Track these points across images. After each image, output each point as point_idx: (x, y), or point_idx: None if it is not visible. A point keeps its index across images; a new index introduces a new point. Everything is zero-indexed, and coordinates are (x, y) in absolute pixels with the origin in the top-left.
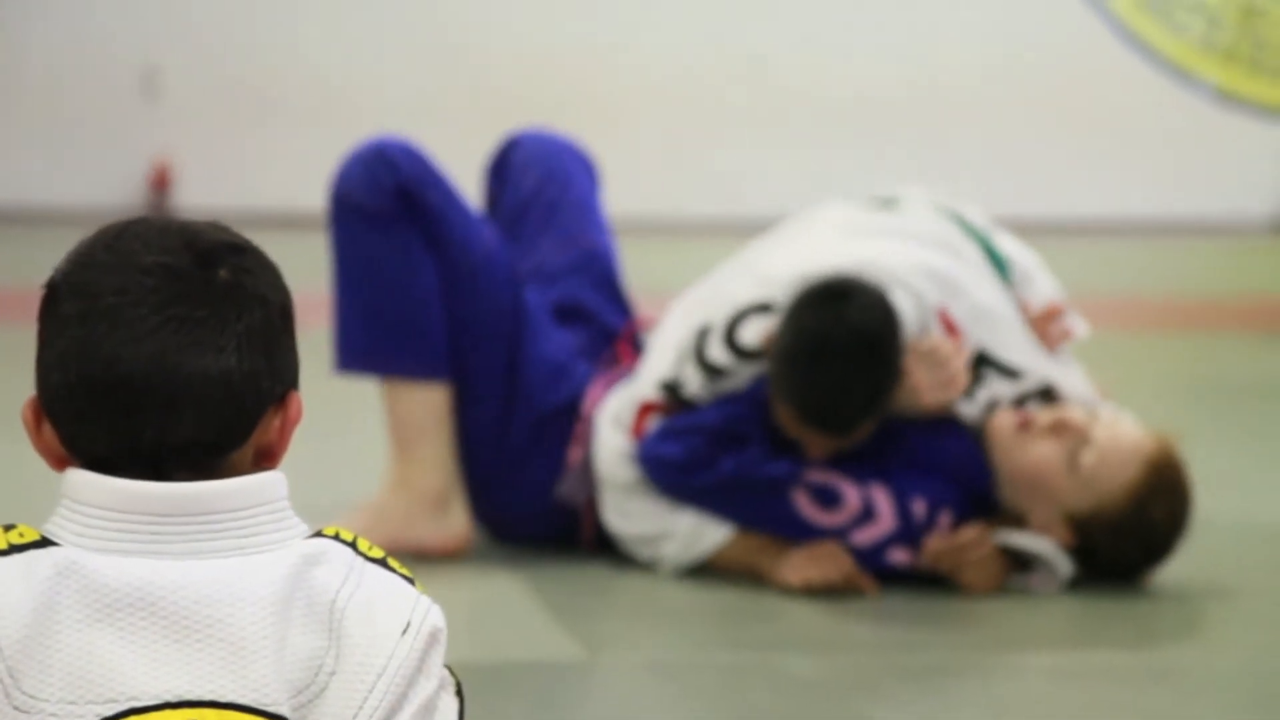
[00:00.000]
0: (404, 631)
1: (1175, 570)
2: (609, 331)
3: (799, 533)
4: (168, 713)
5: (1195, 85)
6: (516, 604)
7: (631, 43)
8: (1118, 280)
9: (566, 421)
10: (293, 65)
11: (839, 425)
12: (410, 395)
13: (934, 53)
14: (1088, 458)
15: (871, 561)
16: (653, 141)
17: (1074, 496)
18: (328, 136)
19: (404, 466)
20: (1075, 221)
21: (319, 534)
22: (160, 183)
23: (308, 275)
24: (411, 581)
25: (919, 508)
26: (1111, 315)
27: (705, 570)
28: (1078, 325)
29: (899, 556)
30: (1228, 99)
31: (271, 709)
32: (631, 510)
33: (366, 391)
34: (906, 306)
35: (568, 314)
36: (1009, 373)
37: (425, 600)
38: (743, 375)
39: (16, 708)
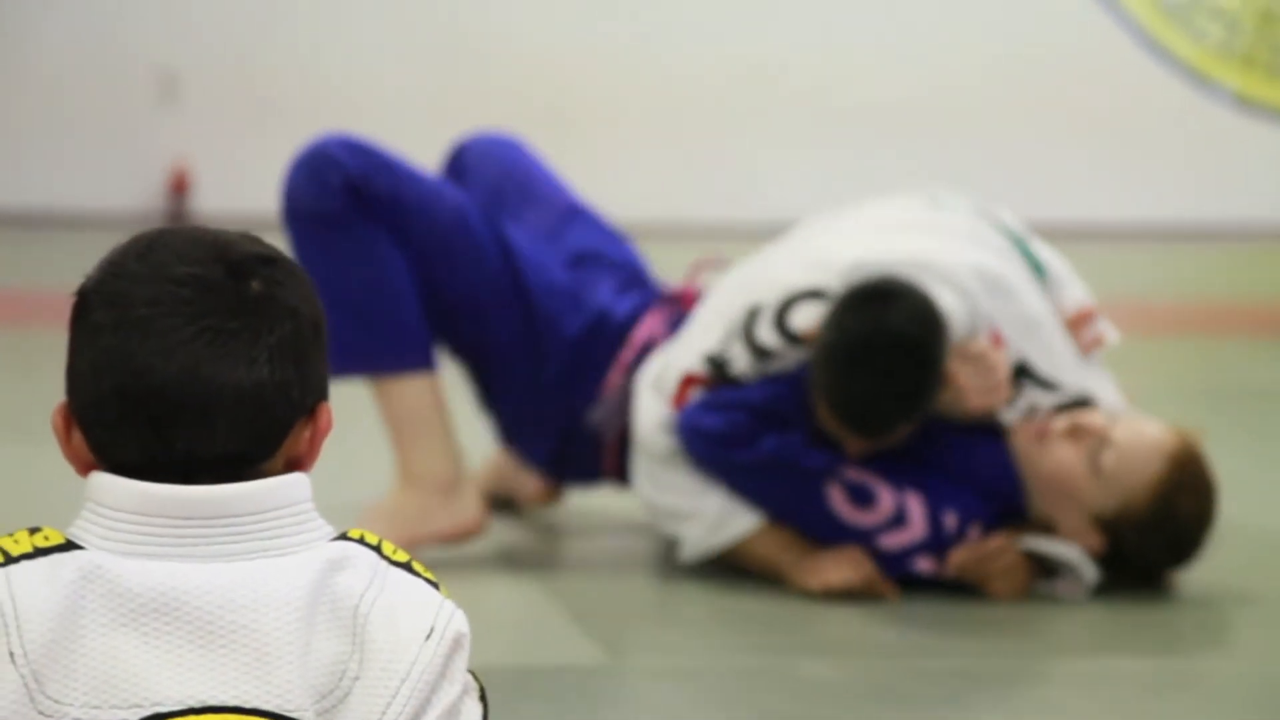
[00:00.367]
0: (428, 637)
1: (1196, 576)
2: (635, 268)
3: (827, 527)
4: (191, 718)
5: (1214, 91)
6: (538, 609)
7: (637, 44)
8: (1131, 285)
9: (606, 346)
10: (310, 70)
11: (873, 429)
12: (401, 390)
13: (945, 56)
14: (1108, 457)
15: (896, 567)
16: (659, 144)
17: (1099, 497)
18: None
19: (408, 461)
20: (1089, 226)
21: (344, 536)
22: (178, 187)
23: None
24: (436, 586)
25: (950, 520)
26: (1124, 320)
27: (725, 574)
28: (1109, 332)
29: (924, 565)
30: (1246, 104)
31: (295, 715)
32: (664, 481)
33: (360, 393)
34: (956, 308)
35: (586, 260)
36: (1046, 385)
37: (449, 605)
38: (790, 359)
39: (41, 712)
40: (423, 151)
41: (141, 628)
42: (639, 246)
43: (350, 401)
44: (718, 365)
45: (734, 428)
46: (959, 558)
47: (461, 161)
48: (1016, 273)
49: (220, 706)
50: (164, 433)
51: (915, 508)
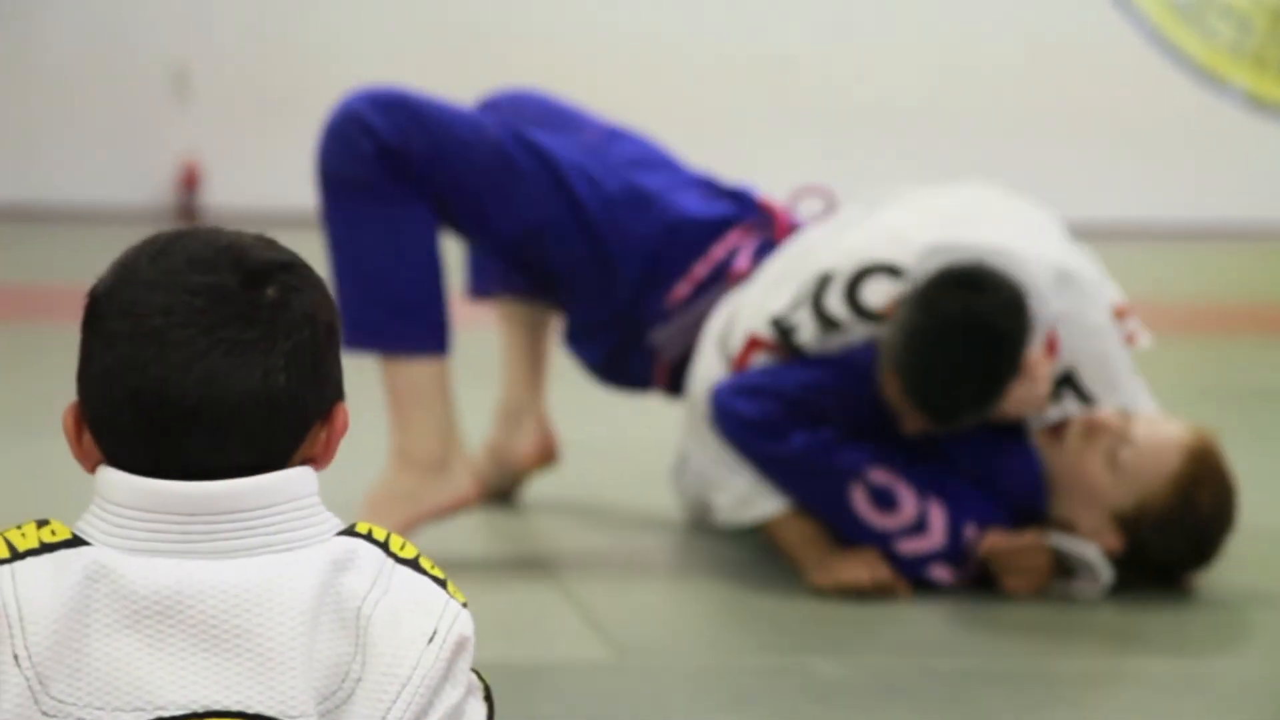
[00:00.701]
0: (430, 640)
1: (1211, 576)
2: (703, 179)
3: (846, 525)
4: None
5: (1225, 90)
6: (548, 606)
7: (653, 42)
8: (1140, 284)
9: (682, 251)
10: (321, 66)
11: (944, 414)
12: (407, 369)
13: (956, 55)
14: (1126, 454)
15: (911, 572)
16: (672, 140)
17: (1117, 495)
18: None
19: (401, 437)
20: (1099, 224)
21: (352, 529)
22: (189, 182)
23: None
24: (444, 584)
25: (970, 531)
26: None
27: (736, 572)
28: (1141, 334)
29: (940, 573)
30: (1257, 104)
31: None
32: (707, 442)
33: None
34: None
35: (647, 165)
36: (1086, 398)
37: (454, 606)
38: (857, 333)
39: (45, 712)
40: None
41: (145, 630)
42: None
43: (359, 391)
44: (784, 331)
45: (766, 416)
46: (992, 543)
47: (493, 110)
48: (1092, 273)
49: (224, 711)
50: (178, 444)
51: (937, 516)
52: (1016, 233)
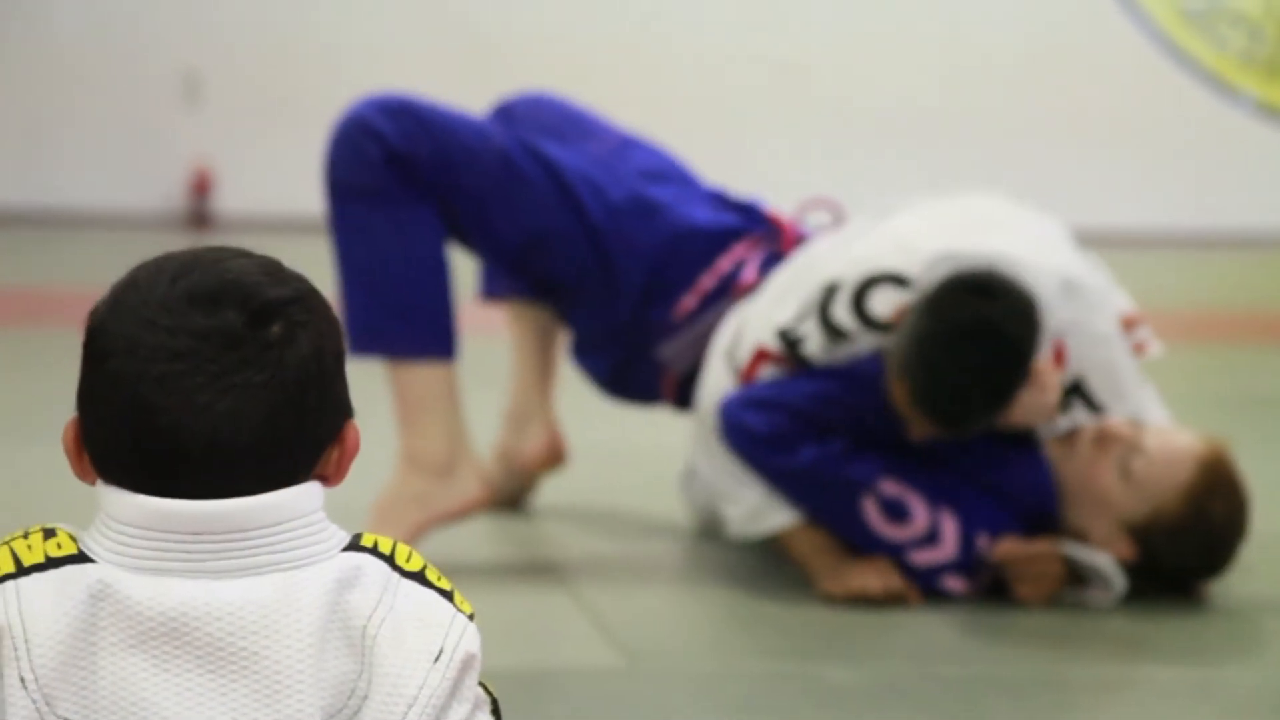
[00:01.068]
0: (436, 659)
1: (1222, 584)
2: (712, 191)
3: (858, 537)
4: None
5: (1235, 98)
6: (556, 612)
7: (663, 48)
8: (1149, 292)
9: (688, 262)
10: (332, 70)
11: (953, 420)
12: (415, 374)
13: (964, 60)
14: (1138, 464)
15: (924, 582)
16: (676, 143)
17: (1129, 504)
18: None
19: (409, 440)
20: (1109, 232)
21: (357, 543)
22: (200, 187)
23: None
24: (450, 595)
25: (983, 541)
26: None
27: (745, 579)
28: (1152, 344)
29: (953, 584)
30: (1268, 112)
31: None
32: (717, 455)
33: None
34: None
35: (659, 176)
36: (1095, 408)
37: (460, 621)
38: (864, 343)
39: None
40: None
41: (152, 651)
42: None
43: (367, 399)
44: (790, 342)
45: (775, 430)
46: (1007, 549)
47: (511, 113)
48: (1099, 282)
49: None
50: (189, 486)
51: (949, 527)
52: (1022, 242)
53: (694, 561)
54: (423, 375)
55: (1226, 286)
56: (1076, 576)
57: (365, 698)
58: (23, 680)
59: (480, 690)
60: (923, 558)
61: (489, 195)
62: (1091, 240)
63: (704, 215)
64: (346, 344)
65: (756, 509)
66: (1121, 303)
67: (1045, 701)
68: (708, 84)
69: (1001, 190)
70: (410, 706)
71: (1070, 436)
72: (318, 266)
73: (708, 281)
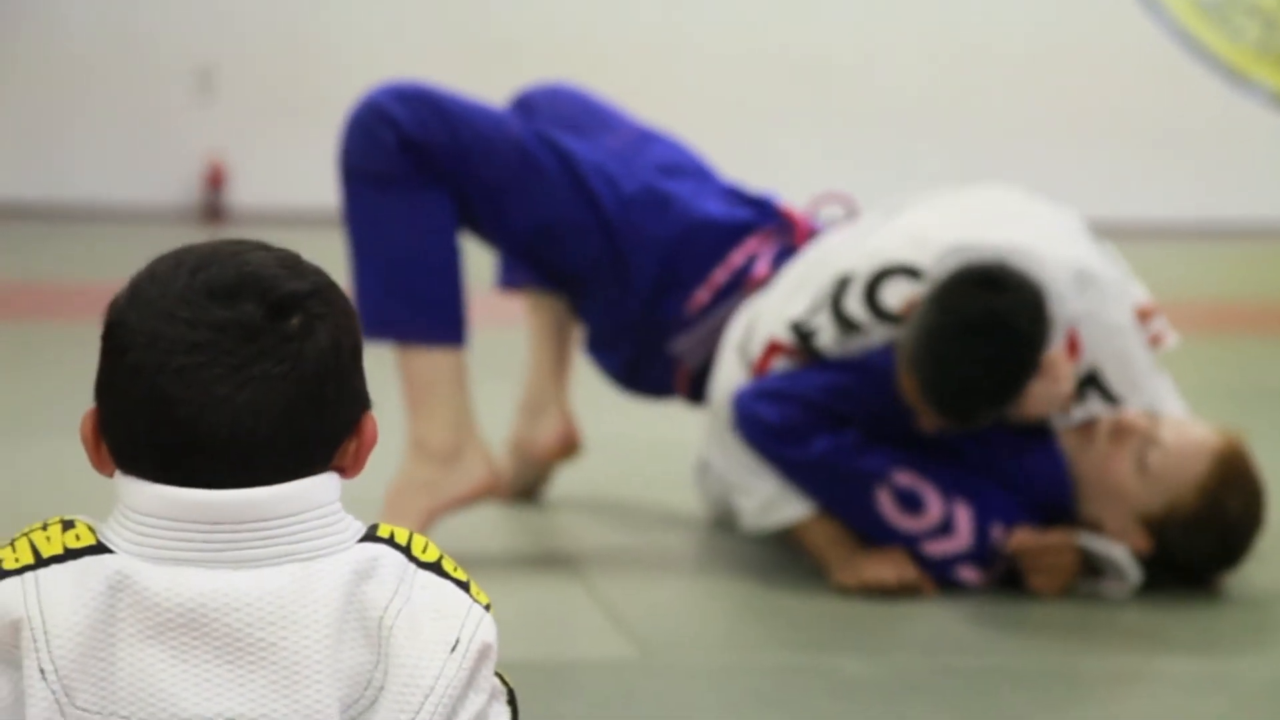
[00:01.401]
0: (453, 650)
1: (1237, 575)
2: (727, 186)
3: (873, 529)
4: None
5: (1250, 89)
6: (572, 604)
7: (678, 40)
8: (1165, 284)
9: (701, 256)
10: (346, 64)
11: (961, 413)
12: (424, 360)
13: (978, 52)
14: (1154, 457)
15: (937, 573)
16: (695, 133)
17: (1145, 498)
18: None
19: (417, 426)
20: (1123, 224)
21: (373, 533)
22: (214, 181)
23: None
24: (466, 586)
25: (997, 532)
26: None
27: (759, 570)
28: (1168, 334)
29: (967, 574)
30: None
31: None
32: (730, 448)
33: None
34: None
35: (676, 170)
36: (1111, 398)
37: (477, 612)
38: (877, 335)
39: None
40: None
41: (170, 642)
42: None
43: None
44: (803, 335)
45: (788, 421)
46: (1021, 539)
47: (529, 105)
48: (1114, 274)
49: None
50: (207, 478)
51: (963, 518)
52: (1036, 233)
53: (708, 553)
54: (432, 361)
55: (1239, 278)
56: (1091, 568)
57: (381, 688)
58: (42, 671)
59: (497, 681)
60: (937, 548)
61: (503, 184)
62: (1105, 232)
63: (717, 209)
64: (363, 346)
65: (770, 501)
66: (1137, 293)
67: (1059, 693)
68: (725, 79)
69: (1017, 182)
70: (426, 697)
71: (1087, 428)
72: (331, 260)
73: (720, 275)
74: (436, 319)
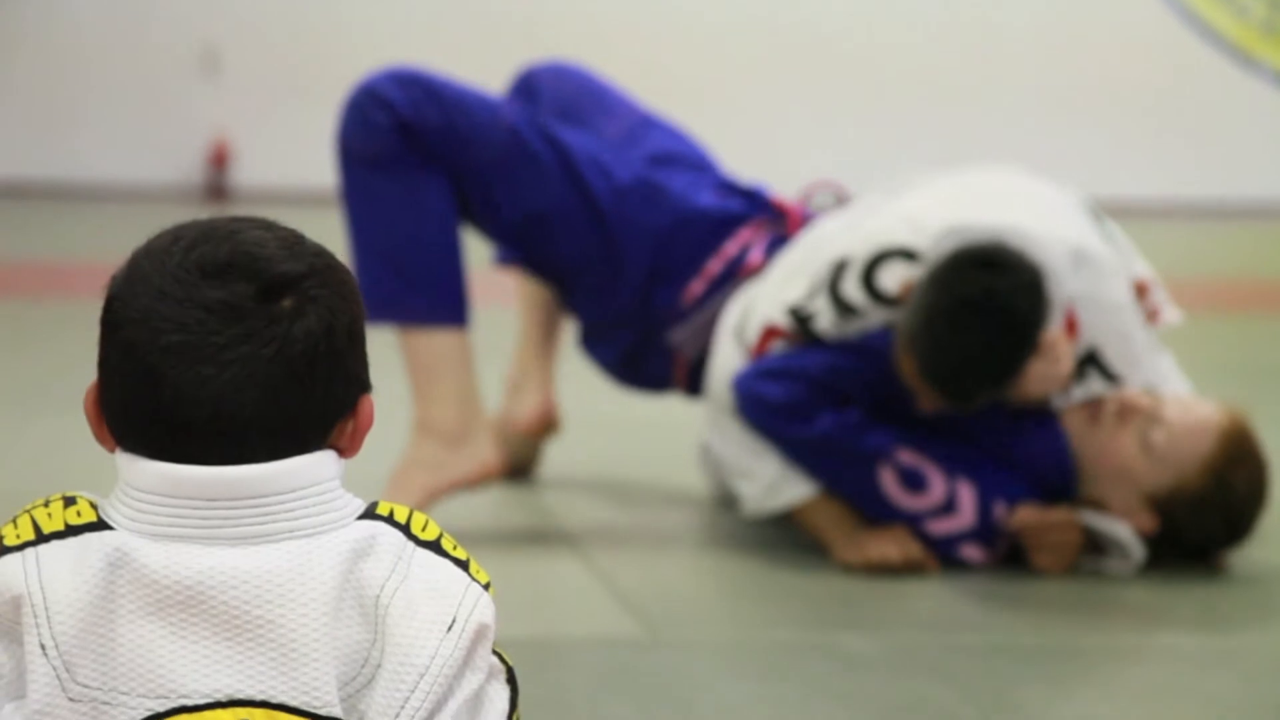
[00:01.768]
0: (449, 629)
1: (1240, 552)
2: (722, 171)
3: (876, 507)
4: (219, 711)
5: (1257, 68)
6: (576, 582)
7: (683, 17)
8: (1169, 263)
9: (694, 247)
10: (351, 43)
11: (959, 393)
12: (427, 341)
13: (987, 30)
14: (1158, 436)
15: (941, 551)
16: (702, 113)
17: (1151, 477)
18: None
19: (422, 407)
20: (1129, 203)
21: (373, 510)
22: (218, 160)
23: None
24: (465, 565)
25: (1000, 510)
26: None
27: (764, 548)
28: (1170, 311)
29: (970, 552)
30: None
31: (324, 711)
32: (729, 433)
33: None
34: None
35: (669, 160)
36: (1111, 377)
37: (474, 591)
38: (874, 319)
39: (71, 699)
40: None
41: (170, 618)
42: None
43: (385, 365)
44: (801, 319)
45: (793, 399)
46: (1024, 517)
47: (532, 84)
48: (1110, 254)
49: (247, 700)
50: (201, 455)
51: (966, 496)
52: (1032, 213)
53: (711, 531)
54: (435, 342)
55: (1245, 256)
56: (1094, 545)
57: (379, 666)
58: (43, 648)
59: (495, 659)
60: (940, 527)
61: (495, 171)
62: (1110, 211)
63: (709, 200)
64: (364, 326)
65: (773, 484)
66: (1138, 268)
67: (1063, 670)
68: (718, 52)
69: (1020, 160)
70: (422, 676)
71: (1091, 408)
72: (336, 239)
73: (715, 266)
74: (437, 300)
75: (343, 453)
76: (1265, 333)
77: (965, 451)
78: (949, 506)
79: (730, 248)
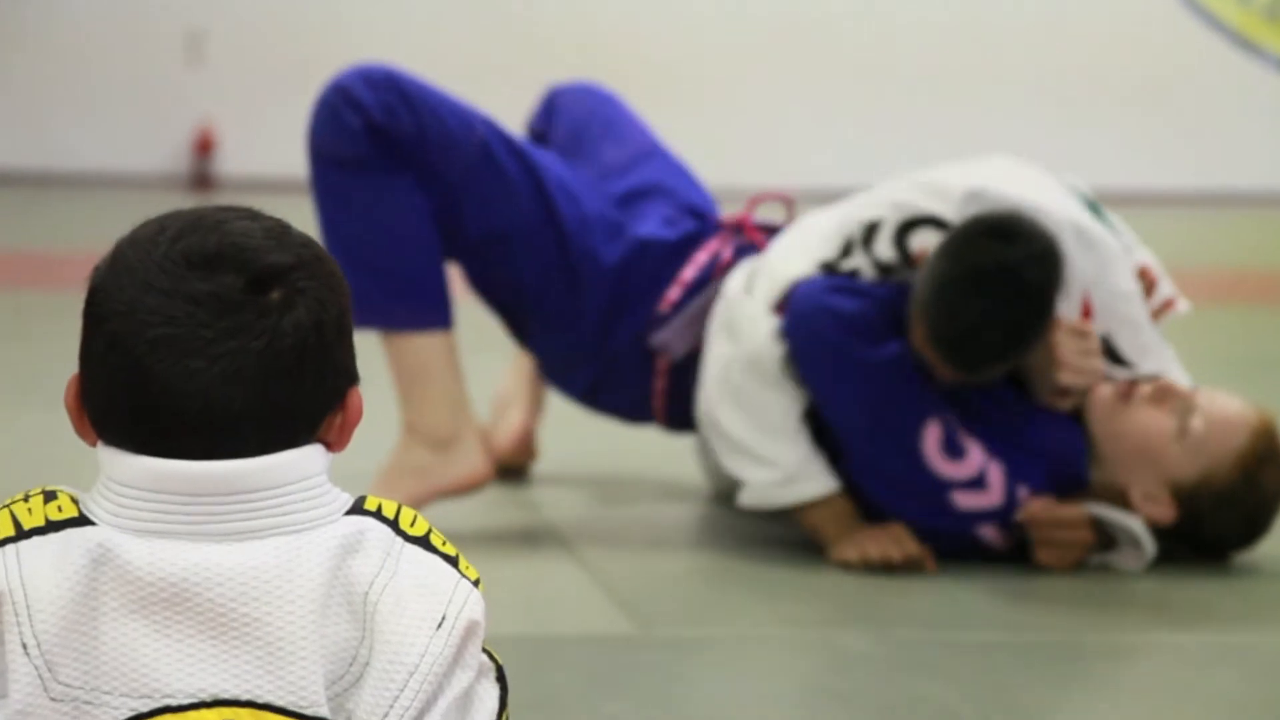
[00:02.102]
0: (439, 626)
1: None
2: (694, 202)
3: (905, 465)
4: (204, 711)
5: (1260, 55)
6: (567, 579)
7: (683, 16)
8: (1173, 252)
9: (650, 274)
10: (337, 32)
11: (969, 363)
12: (413, 345)
13: (989, 22)
14: (1196, 423)
15: (958, 528)
16: (711, 110)
17: (1181, 465)
18: None
19: (410, 412)
20: (1133, 192)
21: (360, 506)
22: (203, 148)
23: None
24: (455, 561)
25: (1024, 494)
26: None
27: (758, 544)
28: (1179, 300)
29: (988, 532)
30: None
31: (310, 710)
32: (755, 406)
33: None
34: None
35: (645, 194)
36: (1122, 363)
37: (464, 588)
38: (906, 278)
39: (53, 698)
40: None
41: (153, 616)
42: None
43: (367, 365)
44: (840, 275)
45: (863, 315)
46: (1035, 510)
47: (554, 102)
48: (1114, 241)
49: (232, 700)
50: (186, 448)
51: (995, 475)
52: (1038, 193)
53: (706, 527)
54: (419, 346)
55: (1249, 246)
56: (1105, 539)
57: (367, 664)
58: (24, 646)
59: (485, 657)
60: (967, 501)
61: (462, 182)
62: (1114, 200)
63: (659, 229)
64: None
65: (792, 474)
66: (1141, 256)
67: (1064, 668)
68: (739, 43)
69: (1022, 150)
70: (411, 674)
71: (1123, 387)
72: (318, 229)
73: (688, 273)
74: (419, 304)
75: (331, 446)
76: (1265, 324)
77: (985, 431)
78: (979, 481)
79: (701, 256)
